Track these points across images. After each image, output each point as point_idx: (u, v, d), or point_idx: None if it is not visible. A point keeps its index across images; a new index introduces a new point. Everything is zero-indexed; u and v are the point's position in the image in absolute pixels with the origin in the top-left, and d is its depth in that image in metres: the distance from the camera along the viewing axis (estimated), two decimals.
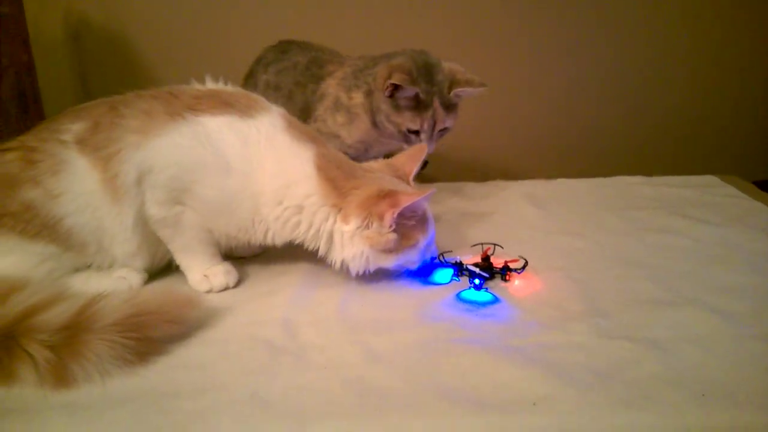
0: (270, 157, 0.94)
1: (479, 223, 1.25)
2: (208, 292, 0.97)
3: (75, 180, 0.92)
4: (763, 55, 1.77)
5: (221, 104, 0.95)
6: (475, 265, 1.00)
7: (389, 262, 0.95)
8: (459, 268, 1.01)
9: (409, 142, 1.20)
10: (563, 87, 1.78)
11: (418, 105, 1.17)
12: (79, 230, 0.93)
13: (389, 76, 1.15)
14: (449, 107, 1.20)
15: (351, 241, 0.93)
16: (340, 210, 0.94)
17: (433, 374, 0.76)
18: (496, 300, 0.94)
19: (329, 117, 1.27)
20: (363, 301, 0.95)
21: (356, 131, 1.25)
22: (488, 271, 0.99)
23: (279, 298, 0.95)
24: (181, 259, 0.99)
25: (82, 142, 0.93)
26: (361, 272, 0.95)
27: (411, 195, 0.92)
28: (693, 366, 0.76)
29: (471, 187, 1.49)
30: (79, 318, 0.77)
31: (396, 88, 1.15)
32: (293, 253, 1.12)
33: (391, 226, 0.92)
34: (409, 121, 1.17)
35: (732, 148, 1.85)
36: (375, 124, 1.23)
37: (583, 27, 1.71)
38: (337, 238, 0.95)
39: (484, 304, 0.93)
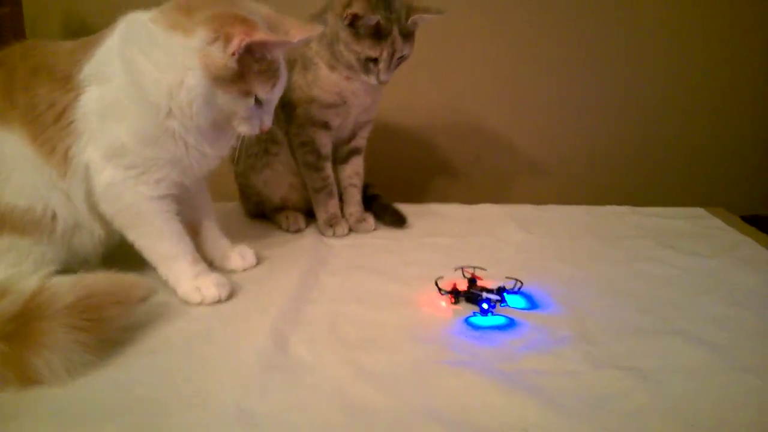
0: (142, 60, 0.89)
1: (466, 246, 1.26)
2: (200, 304, 0.96)
3: None
4: (754, 95, 1.80)
5: (90, 47, 0.94)
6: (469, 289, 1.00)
7: (218, 100, 0.89)
8: (456, 295, 0.99)
9: (368, 71, 1.19)
10: (553, 115, 1.80)
11: (378, 33, 1.15)
12: (18, 200, 0.90)
13: (348, 5, 1.13)
14: (407, 35, 1.18)
15: (188, 57, 0.85)
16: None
17: (424, 396, 0.75)
18: (511, 322, 0.94)
19: (301, 80, 1.24)
20: (354, 318, 0.94)
21: (324, 82, 1.23)
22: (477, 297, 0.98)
23: (270, 314, 0.94)
24: (165, 272, 0.98)
25: None
26: (193, 113, 0.89)
27: (269, 34, 0.87)
28: (681, 397, 0.77)
29: (459, 209, 1.49)
30: (30, 306, 0.75)
31: (356, 17, 1.13)
32: (285, 267, 1.12)
33: (234, 54, 0.85)
34: (368, 49, 1.15)
35: (718, 183, 1.87)
36: (332, 67, 1.22)
37: (579, 56, 1.73)
38: (179, 55, 0.86)
39: (498, 327, 0.93)
